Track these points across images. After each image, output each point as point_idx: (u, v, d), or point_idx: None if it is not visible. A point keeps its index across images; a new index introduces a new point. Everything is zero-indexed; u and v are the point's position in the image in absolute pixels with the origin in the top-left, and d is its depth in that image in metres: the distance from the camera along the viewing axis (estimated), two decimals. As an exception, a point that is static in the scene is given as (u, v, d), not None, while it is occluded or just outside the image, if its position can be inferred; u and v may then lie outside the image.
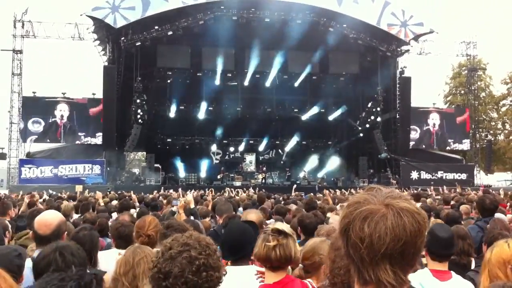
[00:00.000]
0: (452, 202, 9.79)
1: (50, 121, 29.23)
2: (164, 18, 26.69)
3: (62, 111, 29.25)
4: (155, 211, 8.27)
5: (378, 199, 1.33)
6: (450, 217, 6.15)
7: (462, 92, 41.10)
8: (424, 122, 33.05)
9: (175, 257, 1.89)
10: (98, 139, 29.19)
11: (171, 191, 18.89)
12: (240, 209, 8.61)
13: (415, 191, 15.47)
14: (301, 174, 31.81)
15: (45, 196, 12.34)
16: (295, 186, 18.05)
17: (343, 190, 20.57)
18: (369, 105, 30.84)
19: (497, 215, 5.78)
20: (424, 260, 3.60)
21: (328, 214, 7.01)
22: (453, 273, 3.42)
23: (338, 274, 2.32)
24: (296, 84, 31.77)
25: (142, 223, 4.20)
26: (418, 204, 8.15)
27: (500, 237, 3.66)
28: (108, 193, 17.90)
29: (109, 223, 6.20)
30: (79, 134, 29.60)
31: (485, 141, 37.18)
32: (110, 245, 5.00)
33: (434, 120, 33.31)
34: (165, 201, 10.75)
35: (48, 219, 3.61)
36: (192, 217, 6.36)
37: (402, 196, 1.36)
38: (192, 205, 6.67)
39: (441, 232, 3.50)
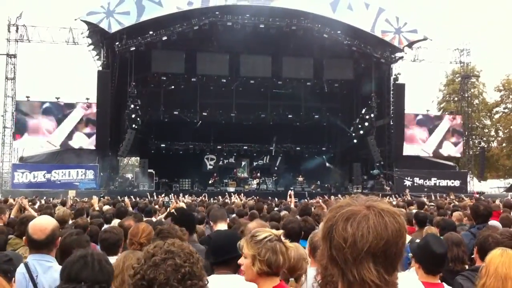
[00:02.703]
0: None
1: (44, 129, 28.56)
2: (158, 23, 26.68)
3: (56, 117, 28.86)
4: (149, 217, 8.22)
5: (360, 202, 1.39)
6: (445, 224, 6.14)
7: (456, 99, 41.23)
8: (417, 130, 32.76)
9: (159, 264, 1.85)
10: (91, 145, 28.87)
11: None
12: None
13: (411, 199, 15.46)
14: (298, 180, 31.73)
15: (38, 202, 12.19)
16: (290, 191, 17.84)
17: (338, 195, 20.41)
18: (363, 111, 30.94)
19: (492, 222, 5.79)
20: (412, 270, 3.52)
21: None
22: (445, 285, 3.39)
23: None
24: (291, 90, 31.82)
25: (135, 230, 4.15)
26: (408, 211, 8.17)
27: (490, 239, 3.66)
28: (101, 198, 17.79)
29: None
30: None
31: (478, 148, 37.29)
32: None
33: (427, 128, 33.07)
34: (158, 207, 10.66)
35: (43, 224, 3.58)
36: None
37: (382, 200, 1.43)
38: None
39: (437, 247, 3.36)
